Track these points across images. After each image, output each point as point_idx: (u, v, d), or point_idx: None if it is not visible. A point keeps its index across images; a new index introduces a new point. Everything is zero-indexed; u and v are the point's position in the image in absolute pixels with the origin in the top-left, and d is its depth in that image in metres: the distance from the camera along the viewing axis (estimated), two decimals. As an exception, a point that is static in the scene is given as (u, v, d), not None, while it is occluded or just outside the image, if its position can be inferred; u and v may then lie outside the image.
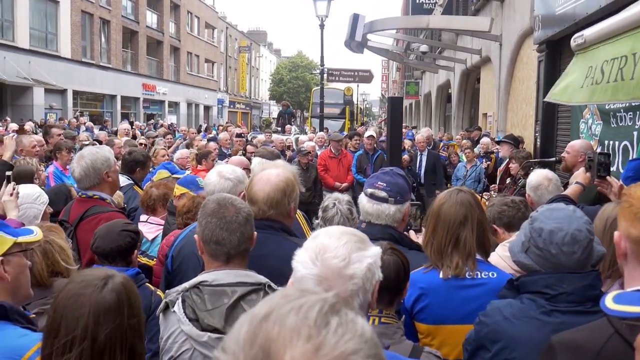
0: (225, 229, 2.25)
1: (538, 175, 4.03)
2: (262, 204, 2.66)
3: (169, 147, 10.62)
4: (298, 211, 3.20)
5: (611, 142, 5.64)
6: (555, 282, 2.10)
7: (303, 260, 1.56)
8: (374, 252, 1.61)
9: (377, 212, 2.87)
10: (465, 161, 10.61)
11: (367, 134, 11.36)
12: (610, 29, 4.20)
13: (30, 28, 26.32)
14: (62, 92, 28.72)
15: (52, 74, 26.63)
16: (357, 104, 39.83)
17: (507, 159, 8.18)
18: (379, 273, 1.61)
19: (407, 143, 11.98)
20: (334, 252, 1.54)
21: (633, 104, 4.99)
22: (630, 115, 5.26)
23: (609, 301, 1.48)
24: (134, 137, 12.81)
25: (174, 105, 44.20)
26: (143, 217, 4.68)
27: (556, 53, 8.48)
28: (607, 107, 5.64)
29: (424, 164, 10.75)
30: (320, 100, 19.58)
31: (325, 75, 21.83)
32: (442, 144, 14.41)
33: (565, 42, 7.49)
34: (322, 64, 20.04)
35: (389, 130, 6.84)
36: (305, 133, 19.48)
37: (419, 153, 10.92)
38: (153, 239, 4.50)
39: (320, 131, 16.31)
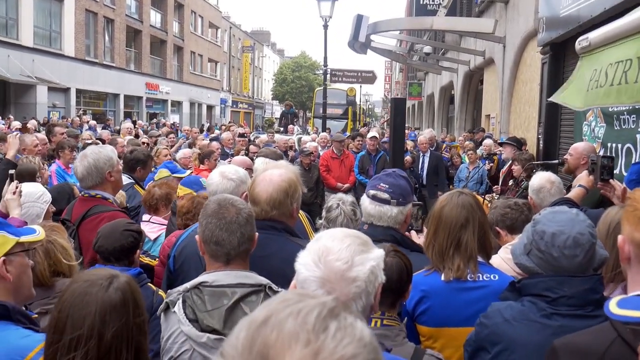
0: (225, 230, 2.25)
1: (540, 178, 4.02)
2: (264, 205, 2.66)
3: (171, 147, 10.63)
4: (301, 212, 3.20)
5: (614, 145, 5.62)
6: (556, 285, 2.09)
7: (306, 263, 1.55)
8: (376, 255, 1.61)
9: (379, 213, 2.87)
10: (468, 162, 10.60)
11: (369, 134, 11.37)
12: (615, 32, 4.19)
13: (34, 26, 26.39)
14: (66, 90, 28.78)
15: (55, 72, 26.69)
16: (359, 104, 39.81)
17: (510, 161, 8.16)
18: (381, 276, 1.61)
19: (409, 144, 11.97)
20: (337, 254, 1.54)
21: (637, 107, 4.97)
22: (633, 117, 5.24)
23: (612, 306, 1.48)
24: (137, 136, 12.84)
25: (177, 105, 44.26)
26: (145, 217, 4.68)
27: (560, 55, 8.46)
28: (610, 110, 5.63)
29: (426, 165, 10.75)
30: (323, 101, 19.57)
31: (328, 75, 21.81)
32: (444, 145, 14.40)
33: (569, 45, 7.48)
34: (325, 65, 20.03)
35: (392, 132, 6.83)
36: (308, 133, 19.49)
37: (421, 154, 10.91)
38: (155, 239, 4.50)
39: (322, 131, 16.30)
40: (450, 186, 10.76)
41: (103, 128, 18.18)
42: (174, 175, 5.70)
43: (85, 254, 3.42)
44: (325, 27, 17.84)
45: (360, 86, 35.09)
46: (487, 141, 11.06)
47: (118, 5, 33.77)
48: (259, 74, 71.05)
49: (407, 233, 3.13)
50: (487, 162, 10.21)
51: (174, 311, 2.22)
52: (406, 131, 12.60)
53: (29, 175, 4.78)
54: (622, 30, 4.10)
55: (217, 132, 17.91)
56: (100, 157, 3.80)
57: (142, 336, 1.92)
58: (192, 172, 6.45)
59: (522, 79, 11.72)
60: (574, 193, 3.73)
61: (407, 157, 10.20)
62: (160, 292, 2.99)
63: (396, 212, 2.86)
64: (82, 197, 3.84)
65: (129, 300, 1.88)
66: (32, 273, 2.26)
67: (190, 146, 10.70)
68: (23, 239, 2.12)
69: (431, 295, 2.62)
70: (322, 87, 21.96)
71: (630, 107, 5.09)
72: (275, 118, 44.71)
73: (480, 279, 2.64)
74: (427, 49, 21.16)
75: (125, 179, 5.21)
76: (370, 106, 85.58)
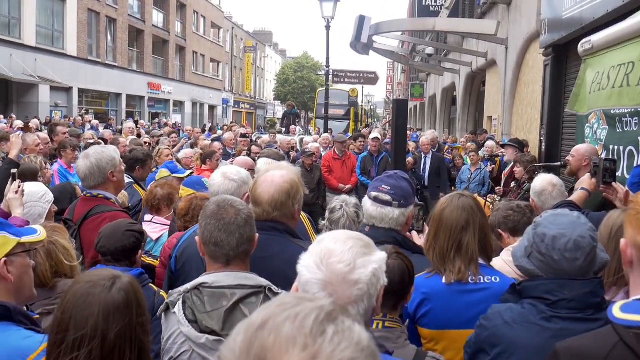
0: (223, 231, 2.26)
1: (542, 181, 4.02)
2: (266, 206, 2.65)
3: (173, 147, 10.63)
4: (302, 213, 3.20)
5: (616, 147, 5.61)
6: (556, 288, 2.09)
7: (308, 265, 1.55)
8: (379, 257, 1.61)
9: (381, 215, 2.87)
10: (470, 164, 10.60)
11: (371, 136, 11.36)
12: (617, 34, 4.19)
13: (36, 26, 26.42)
14: (68, 89, 28.82)
15: (58, 71, 26.72)
16: (361, 105, 39.80)
17: (512, 163, 8.16)
18: (384, 278, 1.60)
19: (411, 145, 11.97)
20: (339, 257, 1.54)
21: (639, 109, 4.96)
22: (635, 120, 5.23)
23: (616, 310, 1.48)
24: (139, 135, 12.85)
25: (179, 105, 44.29)
26: (147, 217, 4.68)
27: (562, 57, 8.46)
28: (612, 112, 5.61)
29: (428, 166, 10.74)
30: (325, 102, 19.55)
31: (330, 76, 21.81)
32: (446, 146, 14.39)
33: (572, 47, 7.47)
34: (327, 65, 20.02)
35: (394, 133, 6.83)
36: (310, 134, 19.48)
37: (423, 155, 10.91)
38: (157, 239, 4.50)
39: (324, 132, 16.31)
40: (452, 188, 10.76)
41: (105, 128, 18.20)
42: (174, 175, 5.70)
43: (87, 254, 3.43)
44: (328, 27, 17.83)
45: (363, 87, 35.13)
46: (489, 143, 11.05)
47: (120, 4, 33.81)
48: (261, 74, 71.09)
49: (408, 234, 3.14)
50: (489, 163, 10.21)
51: (174, 312, 2.23)
52: (408, 132, 12.58)
53: (30, 175, 4.79)
54: (625, 33, 4.10)
55: (219, 132, 17.93)
56: (103, 157, 3.81)
57: (145, 336, 1.93)
58: (192, 173, 6.44)
59: (524, 80, 11.72)
60: (576, 196, 3.73)
61: (409, 159, 10.20)
62: (162, 293, 2.99)
63: (398, 214, 2.86)
64: (84, 197, 3.85)
65: (131, 301, 1.90)
66: (34, 274, 2.26)
67: (192, 146, 10.70)
68: (24, 239, 2.12)
69: (432, 298, 2.62)
70: (324, 88, 21.95)
71: (633, 110, 5.08)
72: (278, 118, 44.71)
73: (482, 281, 2.64)
74: (429, 50, 21.16)
75: (125, 179, 5.23)
76: (372, 107, 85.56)
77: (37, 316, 2.22)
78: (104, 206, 3.71)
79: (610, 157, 5.51)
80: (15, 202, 3.49)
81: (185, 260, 3.00)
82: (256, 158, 6.81)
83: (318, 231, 4.09)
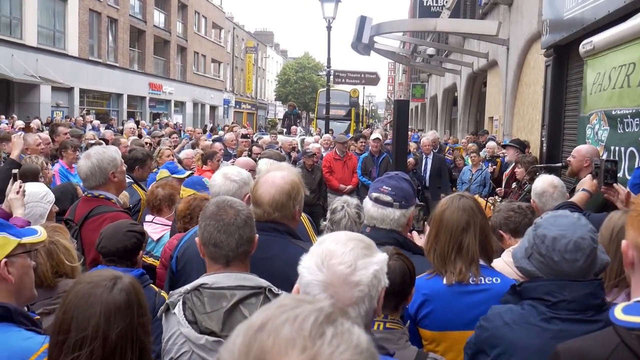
0: (223, 232, 2.26)
1: (543, 182, 4.02)
2: (267, 207, 2.65)
3: (174, 147, 10.63)
4: (303, 214, 3.20)
5: (617, 148, 5.60)
6: (556, 290, 2.09)
7: (309, 266, 1.55)
8: (380, 259, 1.60)
9: (382, 216, 2.87)
10: (471, 165, 10.59)
11: (372, 136, 11.36)
12: (619, 36, 4.19)
13: (38, 26, 26.44)
14: (69, 90, 28.84)
15: (59, 72, 26.75)
16: (362, 105, 39.81)
17: (513, 164, 8.15)
18: (385, 280, 1.60)
19: (412, 146, 11.97)
20: (340, 258, 1.53)
21: (640, 110, 4.96)
22: (637, 121, 5.22)
23: (618, 311, 1.47)
24: (140, 136, 12.86)
25: (180, 105, 44.31)
26: (148, 217, 4.69)
27: (563, 58, 8.45)
28: (613, 113, 5.61)
29: (429, 167, 10.74)
30: (326, 102, 19.55)
31: (331, 76, 21.82)
32: (447, 147, 14.39)
33: (573, 47, 7.46)
34: (328, 66, 20.02)
35: (395, 133, 6.83)
36: (311, 134, 19.48)
37: (424, 156, 10.90)
38: (158, 239, 4.50)
39: (325, 133, 16.30)
40: (453, 188, 10.76)
41: (106, 128, 18.21)
42: (174, 176, 5.70)
43: (88, 254, 3.43)
44: (329, 28, 17.83)
45: (364, 87, 35.15)
46: (490, 143, 11.05)
47: (122, 5, 33.84)
48: (262, 74, 71.10)
49: (409, 234, 3.13)
50: (490, 164, 10.20)
51: (174, 313, 2.23)
52: (409, 133, 12.58)
53: (31, 175, 4.79)
54: (626, 34, 4.10)
55: (220, 133, 17.93)
56: (104, 157, 3.81)
57: (146, 336, 1.94)
58: (193, 173, 6.43)
59: (525, 81, 11.72)
60: (578, 197, 3.72)
61: (410, 159, 10.20)
62: (163, 293, 3.00)
63: (399, 214, 2.86)
64: (86, 197, 3.85)
65: (133, 301, 1.90)
66: (35, 274, 2.26)
67: (193, 147, 10.70)
68: (25, 240, 2.12)
69: (433, 299, 2.62)
70: (325, 88, 21.96)
71: (634, 111, 5.08)
72: (279, 119, 44.73)
73: (483, 282, 2.64)
74: (431, 50, 21.18)
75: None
76: (373, 107, 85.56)
77: (38, 317, 2.21)
78: (105, 207, 3.72)
79: (611, 158, 5.51)
80: (16, 202, 3.49)
81: (186, 261, 3.00)
82: (257, 158, 6.81)
83: (319, 232, 4.09)
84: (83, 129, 14.94)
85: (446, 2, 20.83)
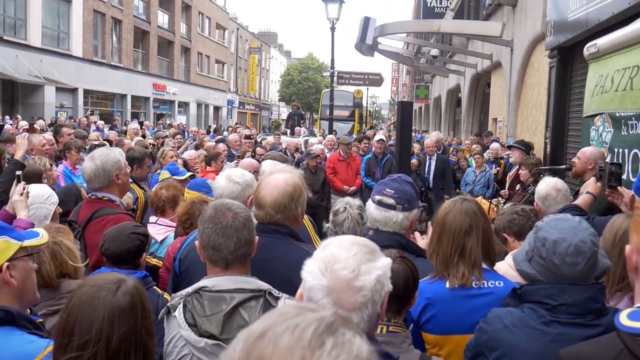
0: (221, 235, 2.26)
1: (547, 185, 4.01)
2: (269, 209, 2.65)
3: (178, 148, 10.64)
4: (305, 215, 3.20)
5: (621, 150, 5.59)
6: (556, 293, 2.09)
7: (312, 271, 1.55)
8: (383, 264, 1.60)
9: (385, 219, 2.87)
10: (475, 166, 10.57)
11: (376, 137, 11.35)
12: (623, 38, 4.17)
13: (42, 27, 26.54)
14: (73, 90, 28.92)
15: (63, 72, 26.83)
16: (366, 106, 39.80)
17: (517, 165, 8.14)
18: (388, 284, 1.60)
19: (416, 147, 11.95)
20: (343, 263, 1.53)
21: (645, 113, 4.94)
22: (641, 123, 5.21)
23: (623, 317, 1.47)
24: (143, 136, 12.88)
25: (184, 106, 44.37)
26: (152, 219, 4.69)
27: (567, 59, 8.43)
28: (618, 115, 5.60)
29: (433, 168, 10.71)
30: (330, 103, 19.56)
31: (335, 77, 21.82)
32: (451, 148, 14.37)
33: (577, 49, 7.45)
34: (332, 67, 20.03)
35: (399, 135, 6.82)
36: (314, 135, 19.49)
37: (428, 157, 10.88)
38: (162, 240, 4.51)
39: (329, 133, 16.30)
40: (457, 190, 10.75)
41: (110, 129, 18.24)
42: (174, 177, 5.71)
43: (91, 255, 3.44)
44: (333, 29, 17.82)
45: (367, 88, 35.11)
46: (494, 145, 11.03)
47: (126, 6, 33.91)
48: (266, 75, 71.14)
49: (411, 236, 3.13)
50: (493, 165, 10.19)
51: (175, 315, 2.23)
52: (413, 134, 12.56)
53: (35, 177, 4.80)
54: (631, 37, 4.08)
55: (224, 133, 17.96)
56: (108, 159, 3.82)
57: (150, 339, 1.95)
58: (193, 174, 6.42)
59: (529, 82, 11.69)
60: (582, 200, 3.72)
61: (414, 160, 10.18)
62: (166, 295, 3.00)
63: (402, 217, 2.86)
64: (89, 199, 3.86)
65: (136, 304, 1.90)
66: (39, 274, 2.27)
67: (197, 147, 10.71)
68: (26, 243, 2.12)
69: (436, 303, 2.61)
70: (329, 89, 21.97)
71: (639, 112, 5.06)
72: (282, 120, 44.73)
73: (485, 285, 2.63)
74: (434, 51, 21.15)
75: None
76: (376, 108, 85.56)
77: (41, 320, 2.21)
78: (109, 208, 3.72)
79: (615, 159, 5.49)
80: (20, 204, 3.50)
81: (189, 263, 3.00)
82: (261, 160, 6.81)
83: (322, 234, 4.09)
84: (87, 130, 14.96)
85: (450, 3, 20.82)
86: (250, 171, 3.66)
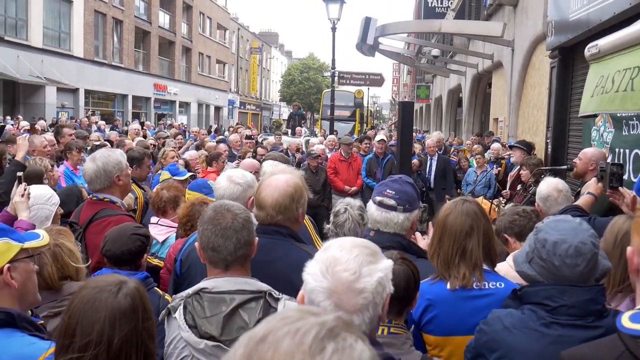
0: (220, 236, 2.26)
1: (548, 186, 4.01)
2: (270, 209, 2.66)
3: (179, 148, 10.64)
4: (306, 216, 3.20)
5: (622, 150, 5.59)
6: (556, 294, 2.09)
7: (313, 273, 1.55)
8: (385, 266, 1.60)
9: (386, 220, 2.87)
10: (476, 166, 10.56)
11: (377, 137, 11.35)
12: (624, 39, 4.16)
13: (43, 27, 26.56)
14: (74, 91, 28.96)
15: (64, 73, 26.86)
16: (367, 106, 39.78)
17: (518, 165, 8.13)
18: (389, 286, 1.60)
19: (417, 147, 11.94)
20: (344, 265, 1.53)
21: (646, 113, 4.94)
22: (643, 123, 5.21)
23: (625, 319, 1.47)
24: (144, 136, 12.89)
25: (185, 106, 44.38)
26: (154, 219, 4.69)
27: (568, 59, 8.42)
28: (619, 115, 5.60)
29: (434, 168, 10.70)
30: (331, 103, 19.56)
31: (336, 77, 21.81)
32: (452, 148, 14.36)
33: (578, 49, 7.44)
34: (333, 67, 20.02)
35: (400, 135, 6.83)
36: (315, 135, 19.49)
37: (429, 157, 10.88)
38: (164, 241, 4.51)
39: (330, 133, 16.30)
40: (458, 190, 10.74)
41: (111, 129, 18.24)
42: (174, 177, 5.71)
43: (92, 257, 3.44)
44: (334, 29, 17.81)
45: (368, 88, 35.11)
46: (495, 145, 11.02)
47: (127, 6, 33.93)
48: (267, 75, 71.15)
49: (412, 236, 3.13)
50: (494, 166, 10.18)
51: (175, 317, 2.24)
52: (414, 134, 12.56)
53: (36, 178, 4.80)
54: (632, 37, 4.07)
55: (225, 134, 17.95)
56: (110, 160, 3.82)
57: (151, 340, 1.95)
58: (194, 174, 6.43)
59: (530, 82, 11.69)
60: (583, 200, 3.71)
61: (415, 161, 10.18)
62: (167, 296, 3.00)
63: (402, 218, 2.86)
64: (90, 200, 3.86)
65: (138, 306, 1.90)
66: (40, 276, 2.27)
67: (198, 148, 10.71)
68: (27, 244, 2.12)
69: (437, 304, 2.61)
70: (330, 89, 21.96)
71: (639, 113, 5.06)
72: (283, 120, 44.74)
73: (486, 287, 2.63)
74: (435, 51, 21.15)
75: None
76: (377, 108, 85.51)
77: (42, 322, 2.22)
78: (110, 210, 3.72)
79: (616, 159, 5.49)
80: (21, 205, 3.50)
81: (190, 264, 3.00)
82: (262, 160, 6.81)
83: (322, 235, 4.09)
84: (88, 130, 14.97)
85: (451, 3, 20.81)
86: (251, 172, 3.66)
